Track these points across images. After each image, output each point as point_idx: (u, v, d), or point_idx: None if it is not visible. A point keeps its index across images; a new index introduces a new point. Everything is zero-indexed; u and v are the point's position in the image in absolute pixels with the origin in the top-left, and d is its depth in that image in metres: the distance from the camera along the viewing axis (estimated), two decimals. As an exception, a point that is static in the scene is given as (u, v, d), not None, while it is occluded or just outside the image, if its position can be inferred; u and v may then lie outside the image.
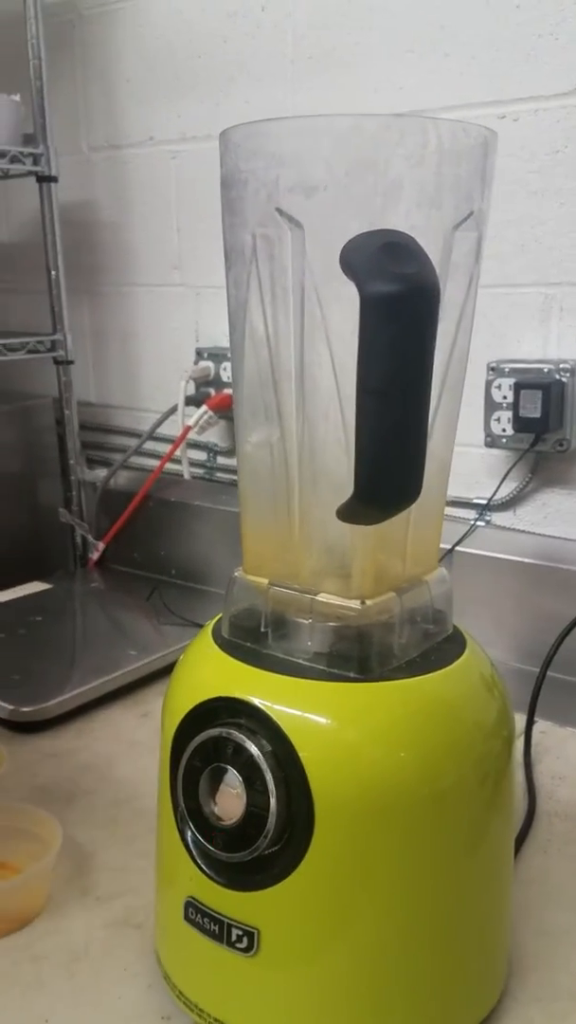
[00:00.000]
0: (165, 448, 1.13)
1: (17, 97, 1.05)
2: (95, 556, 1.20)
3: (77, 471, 1.22)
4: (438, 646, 0.48)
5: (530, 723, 0.76)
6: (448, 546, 0.91)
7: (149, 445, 1.18)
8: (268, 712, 0.43)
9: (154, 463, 1.15)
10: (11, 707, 0.78)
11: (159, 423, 1.13)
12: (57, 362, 1.16)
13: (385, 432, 0.37)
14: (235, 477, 1.13)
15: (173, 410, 1.10)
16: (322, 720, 0.43)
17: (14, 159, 1.05)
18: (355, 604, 0.44)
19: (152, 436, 1.16)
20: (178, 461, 1.12)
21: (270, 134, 0.39)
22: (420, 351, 0.36)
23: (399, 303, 0.34)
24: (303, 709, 0.43)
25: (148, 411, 1.21)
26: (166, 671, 0.89)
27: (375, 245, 0.35)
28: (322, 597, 0.45)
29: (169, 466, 1.13)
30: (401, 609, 0.46)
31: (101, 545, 1.19)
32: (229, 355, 1.07)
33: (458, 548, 0.92)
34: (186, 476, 1.12)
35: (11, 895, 0.55)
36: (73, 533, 1.23)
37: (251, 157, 0.39)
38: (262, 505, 0.47)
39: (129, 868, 0.60)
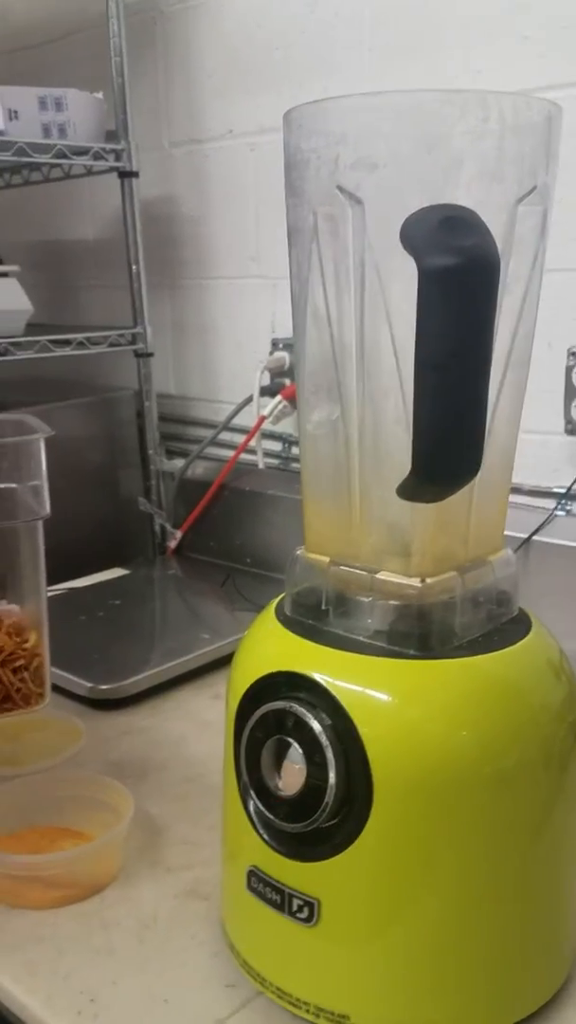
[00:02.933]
0: (242, 438, 1.15)
1: (100, 95, 1.08)
2: (173, 544, 1.22)
3: (156, 461, 1.25)
4: (502, 627, 0.47)
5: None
6: (525, 535, 0.90)
7: (226, 436, 1.19)
8: (328, 687, 0.44)
9: (230, 453, 1.17)
10: (90, 684, 0.81)
11: (235, 413, 1.15)
12: (137, 355, 1.19)
13: (444, 407, 0.37)
14: (310, 467, 1.14)
15: (249, 400, 1.11)
16: (381, 696, 0.43)
17: (96, 155, 1.08)
18: (415, 583, 0.44)
19: (228, 427, 1.17)
20: (253, 451, 1.14)
21: (330, 112, 0.39)
22: (480, 325, 0.35)
23: (458, 276, 0.34)
24: (362, 685, 0.43)
25: (225, 402, 1.22)
26: (239, 655, 0.90)
27: (434, 219, 0.35)
28: (382, 575, 0.45)
29: (244, 456, 1.14)
30: (463, 589, 0.45)
31: (179, 533, 1.22)
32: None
33: (537, 537, 0.90)
34: (260, 466, 1.14)
35: (84, 861, 0.58)
36: (152, 522, 1.26)
37: (312, 136, 0.39)
38: (323, 484, 0.47)
39: (199, 842, 0.62)
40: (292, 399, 1.08)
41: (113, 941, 0.54)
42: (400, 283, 0.38)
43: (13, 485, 0.59)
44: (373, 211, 0.39)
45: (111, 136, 1.11)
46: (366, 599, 0.46)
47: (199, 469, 1.22)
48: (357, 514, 0.45)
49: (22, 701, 0.62)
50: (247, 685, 0.47)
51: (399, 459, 0.42)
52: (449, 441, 0.37)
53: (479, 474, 0.41)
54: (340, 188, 0.39)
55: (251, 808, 0.47)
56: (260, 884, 0.47)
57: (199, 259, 1.21)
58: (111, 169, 1.11)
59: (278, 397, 1.08)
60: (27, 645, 0.62)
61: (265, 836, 0.46)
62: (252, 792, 0.46)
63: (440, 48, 0.91)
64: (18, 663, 0.61)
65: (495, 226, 0.37)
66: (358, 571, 0.46)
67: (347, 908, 0.44)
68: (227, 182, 1.15)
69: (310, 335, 0.44)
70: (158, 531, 1.26)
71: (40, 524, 0.62)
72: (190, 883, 0.58)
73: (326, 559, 0.47)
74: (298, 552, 0.49)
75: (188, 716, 0.80)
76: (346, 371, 0.43)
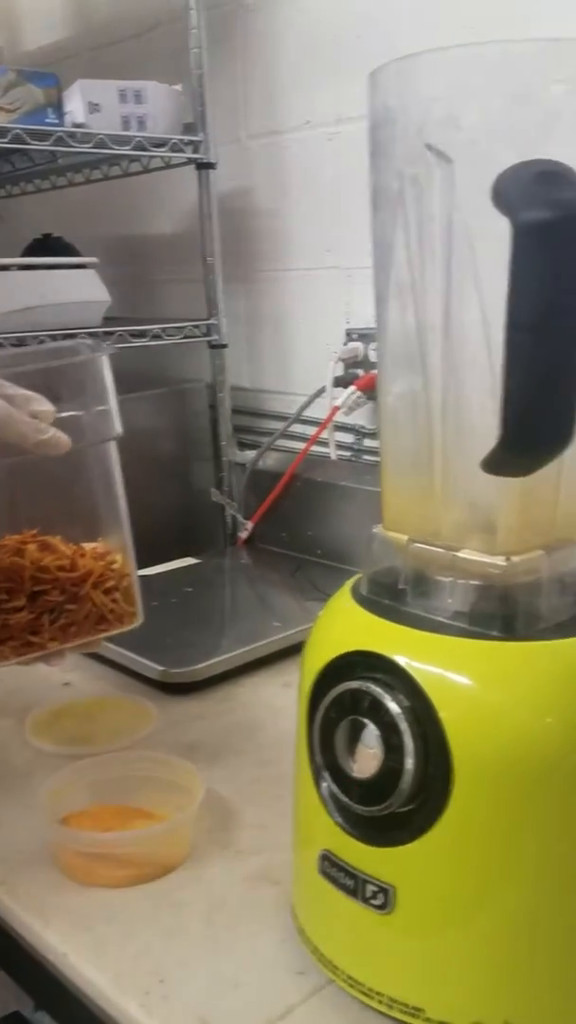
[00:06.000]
0: (315, 430, 1.14)
1: (179, 87, 1.09)
2: (244, 535, 1.22)
3: (229, 453, 1.25)
4: (591, 611, 0.45)
5: None
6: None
7: (299, 428, 1.19)
8: (407, 668, 0.42)
9: (303, 445, 1.16)
10: (162, 668, 0.81)
11: (307, 404, 1.14)
12: (211, 346, 1.19)
13: (536, 372, 0.35)
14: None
15: (321, 391, 1.10)
16: (463, 679, 0.42)
17: (175, 147, 1.08)
18: (500, 561, 0.42)
19: (301, 419, 1.17)
20: (326, 443, 1.13)
21: (419, 69, 0.38)
22: None
23: (555, 230, 0.33)
24: (443, 667, 0.42)
25: (299, 395, 1.21)
26: (310, 646, 0.89)
27: (529, 173, 0.34)
28: (465, 553, 0.43)
29: (317, 448, 1.13)
30: (550, 569, 0.44)
31: (250, 524, 1.22)
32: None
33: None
34: (333, 457, 1.12)
35: (155, 841, 0.57)
36: (224, 513, 1.26)
37: (401, 94, 0.38)
38: (403, 458, 0.46)
39: (271, 827, 0.61)
40: (366, 389, 1.06)
41: (183, 923, 0.53)
42: (489, 244, 0.37)
43: (79, 413, 0.56)
44: (463, 170, 0.37)
45: (189, 128, 1.11)
46: (447, 578, 0.44)
47: (271, 461, 1.22)
48: (438, 489, 0.44)
49: (116, 621, 0.62)
50: (322, 664, 0.45)
51: (484, 431, 0.40)
52: (541, 408, 0.35)
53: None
54: (429, 146, 0.37)
55: (324, 790, 0.46)
56: (333, 868, 0.45)
57: (274, 251, 1.21)
58: (189, 161, 1.12)
59: (351, 387, 1.07)
60: (115, 566, 0.62)
61: (338, 819, 0.45)
62: (326, 773, 0.45)
63: (534, 22, 0.89)
64: (109, 584, 0.61)
65: (592, 184, 0.35)
66: (439, 549, 0.44)
67: (423, 896, 0.43)
68: (304, 173, 1.14)
69: (392, 303, 0.43)
70: (229, 522, 1.26)
71: (112, 445, 0.61)
72: (261, 867, 0.57)
73: (405, 537, 0.46)
74: (375, 530, 0.48)
75: (260, 703, 0.80)
76: (430, 339, 0.41)
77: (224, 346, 1.20)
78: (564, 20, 0.86)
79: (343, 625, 0.47)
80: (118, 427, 0.60)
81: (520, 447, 0.37)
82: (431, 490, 0.44)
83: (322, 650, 0.46)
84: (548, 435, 0.36)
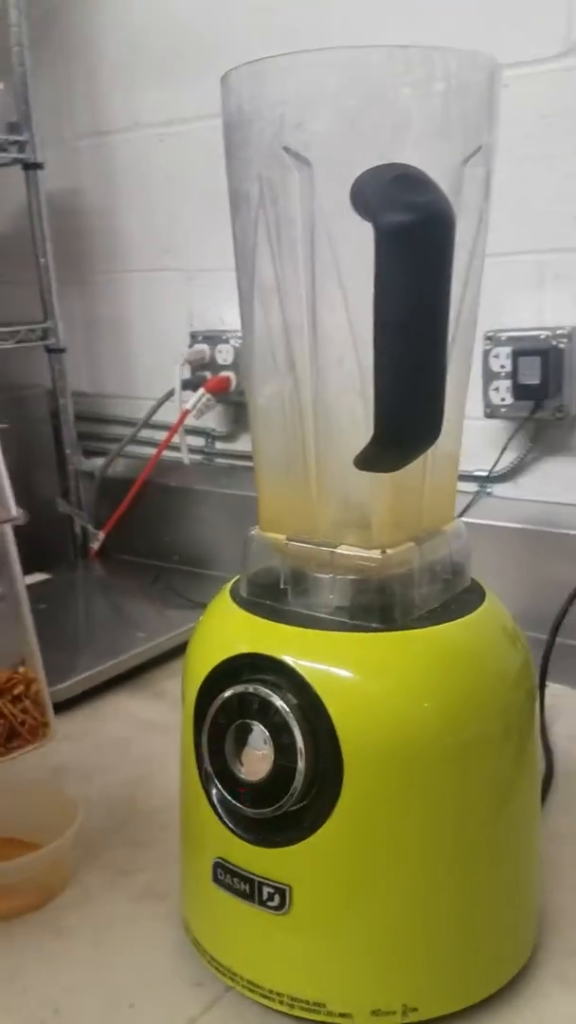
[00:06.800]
0: (162, 435, 1.13)
1: (1, 85, 1.05)
2: (96, 546, 1.19)
3: (74, 461, 1.21)
4: (458, 597, 0.47)
5: (542, 686, 0.76)
6: (453, 516, 0.91)
7: (147, 433, 1.17)
8: (294, 666, 0.42)
9: (152, 451, 1.14)
10: (21, 692, 0.77)
11: (157, 407, 1.12)
12: (49, 350, 1.15)
13: (406, 368, 0.36)
14: (234, 462, 1.13)
15: (170, 395, 1.09)
16: (348, 672, 0.42)
17: (-1, 146, 1.04)
18: (375, 555, 0.43)
19: (149, 423, 1.15)
20: (177, 448, 1.11)
21: (273, 71, 0.38)
22: (438, 281, 0.35)
23: (416, 232, 0.34)
24: (327, 662, 0.42)
25: (144, 398, 1.20)
26: (174, 652, 0.88)
27: (387, 177, 0.35)
28: (342, 549, 0.44)
29: (168, 453, 1.12)
30: (421, 559, 0.45)
31: (101, 535, 1.18)
32: (240, 329, 1.06)
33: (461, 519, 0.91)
34: (185, 461, 1.11)
35: (33, 870, 0.55)
36: (72, 524, 1.22)
37: (254, 96, 0.38)
38: (277, 459, 0.46)
39: (150, 842, 0.60)
40: (215, 392, 1.06)
41: (71, 949, 0.51)
42: (350, 245, 0.38)
43: None
44: (321, 172, 0.38)
45: (13, 128, 1.07)
46: (326, 575, 0.45)
47: (120, 467, 1.19)
48: (313, 488, 0.44)
49: (29, 735, 0.54)
50: (207, 670, 0.45)
51: (353, 429, 0.41)
52: (412, 403, 0.37)
53: (433, 440, 0.41)
54: (286, 149, 0.38)
55: (215, 797, 0.45)
56: (227, 875, 0.45)
57: (109, 253, 1.19)
58: (14, 161, 1.07)
59: (200, 391, 1.06)
60: (21, 669, 0.57)
61: (231, 825, 0.44)
62: (216, 780, 0.45)
63: (358, 30, 0.91)
64: (17, 690, 0.55)
65: (443, 186, 0.36)
66: (316, 547, 0.45)
67: (319, 892, 0.43)
68: (135, 174, 1.13)
69: (257, 305, 0.43)
70: (79, 533, 1.22)
71: (8, 528, 0.56)
72: (145, 884, 0.56)
73: (282, 537, 0.46)
74: (253, 532, 0.48)
75: (129, 717, 0.78)
76: (295, 341, 0.42)
77: (62, 350, 1.16)
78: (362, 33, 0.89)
79: (226, 629, 0.46)
80: (11, 509, 0.55)
81: (395, 441, 0.38)
82: (306, 489, 0.45)
83: (205, 656, 0.46)
84: (420, 430, 0.38)
